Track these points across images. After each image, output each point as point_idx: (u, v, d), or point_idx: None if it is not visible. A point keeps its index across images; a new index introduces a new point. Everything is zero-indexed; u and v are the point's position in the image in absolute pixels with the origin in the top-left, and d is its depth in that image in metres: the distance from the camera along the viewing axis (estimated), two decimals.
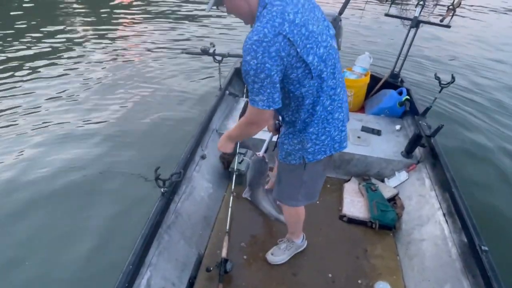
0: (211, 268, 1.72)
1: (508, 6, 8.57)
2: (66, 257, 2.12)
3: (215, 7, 1.11)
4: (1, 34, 5.58)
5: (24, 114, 3.57)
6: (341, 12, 2.40)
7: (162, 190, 1.71)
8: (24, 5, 7.33)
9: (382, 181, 2.42)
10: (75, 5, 7.55)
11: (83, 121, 3.47)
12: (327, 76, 1.13)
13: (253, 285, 1.77)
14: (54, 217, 2.38)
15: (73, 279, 2.02)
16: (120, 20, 6.70)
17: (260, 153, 1.63)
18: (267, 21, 0.99)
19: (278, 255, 1.87)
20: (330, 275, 1.83)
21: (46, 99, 3.89)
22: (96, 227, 2.32)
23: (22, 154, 3.00)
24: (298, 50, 1.02)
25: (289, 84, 1.11)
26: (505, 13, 7.91)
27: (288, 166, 1.39)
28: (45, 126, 3.40)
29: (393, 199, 2.27)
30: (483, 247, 1.49)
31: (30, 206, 2.47)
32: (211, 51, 2.48)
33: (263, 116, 1.13)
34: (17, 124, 3.42)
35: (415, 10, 2.78)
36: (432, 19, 2.82)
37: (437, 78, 2.37)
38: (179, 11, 7.20)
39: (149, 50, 5.13)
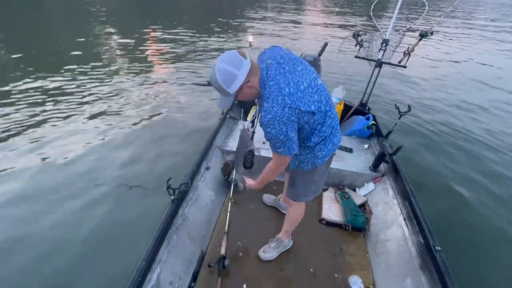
0: (212, 264, 1.78)
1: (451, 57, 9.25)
2: (88, 257, 2.15)
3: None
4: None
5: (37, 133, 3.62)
6: (320, 54, 2.59)
7: (172, 198, 1.77)
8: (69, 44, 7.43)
9: (354, 190, 2.49)
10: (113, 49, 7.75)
11: (103, 139, 3.55)
12: (324, 106, 1.27)
13: (247, 278, 1.81)
14: (75, 225, 2.41)
15: (93, 275, 2.04)
16: (148, 59, 6.96)
17: (245, 125, 1.63)
18: (272, 101, 1.14)
19: (268, 252, 1.93)
20: (311, 270, 1.89)
21: (68, 116, 3.98)
22: (114, 230, 2.34)
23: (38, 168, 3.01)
24: (302, 109, 1.17)
25: (300, 126, 1.26)
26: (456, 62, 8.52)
27: (301, 171, 1.51)
28: (64, 141, 3.44)
29: (363, 206, 2.33)
30: (436, 247, 1.54)
31: (56, 212, 2.49)
32: None
33: (286, 159, 1.31)
34: (39, 138, 3.49)
35: (378, 53, 2.96)
36: (392, 61, 3.03)
37: (397, 107, 2.49)
38: (197, 51, 7.54)
39: (165, 81, 5.41)
